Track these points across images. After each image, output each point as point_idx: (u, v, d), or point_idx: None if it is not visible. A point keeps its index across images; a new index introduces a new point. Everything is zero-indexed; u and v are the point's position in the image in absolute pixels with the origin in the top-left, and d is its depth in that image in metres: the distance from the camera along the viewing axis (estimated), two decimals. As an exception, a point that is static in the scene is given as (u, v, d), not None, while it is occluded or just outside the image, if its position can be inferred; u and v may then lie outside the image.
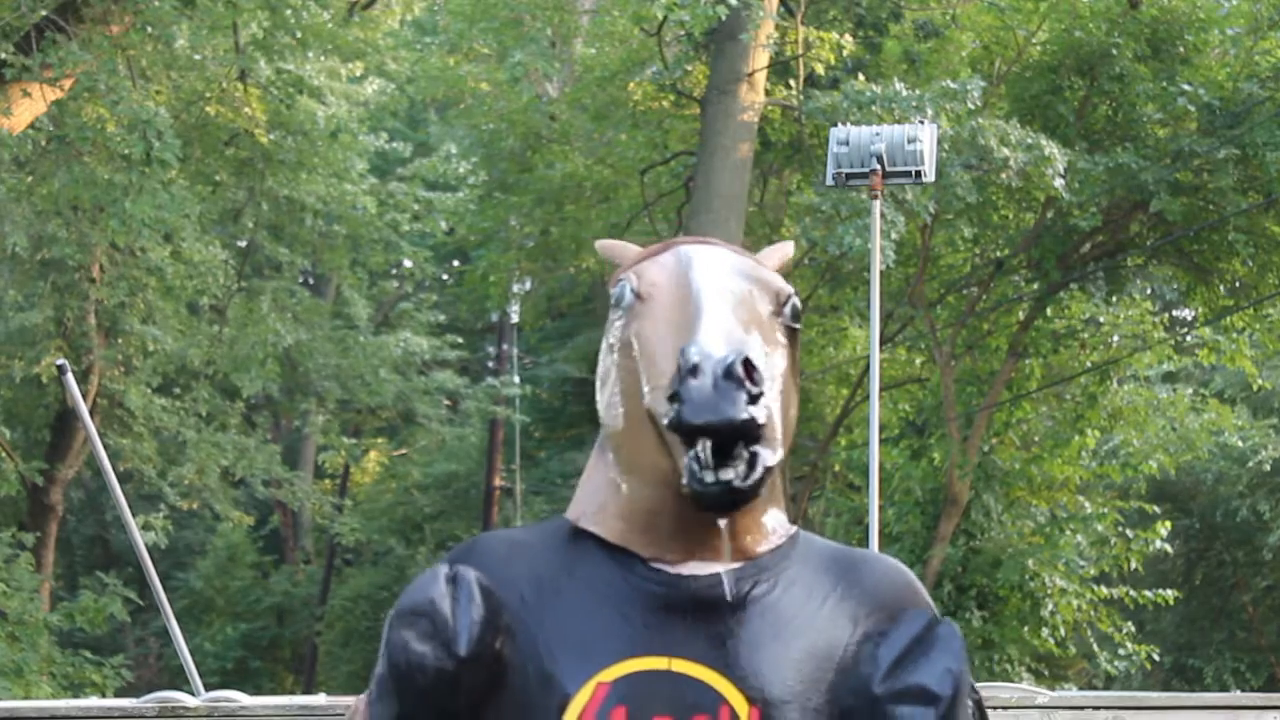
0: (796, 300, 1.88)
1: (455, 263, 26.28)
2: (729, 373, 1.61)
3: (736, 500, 1.64)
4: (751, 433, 1.62)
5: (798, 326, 1.88)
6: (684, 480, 1.64)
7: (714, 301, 1.73)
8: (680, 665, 1.68)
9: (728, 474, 1.62)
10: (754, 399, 1.61)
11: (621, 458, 1.80)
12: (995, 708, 4.95)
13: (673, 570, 1.75)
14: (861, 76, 14.09)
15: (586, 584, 1.76)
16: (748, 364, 1.62)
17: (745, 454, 1.63)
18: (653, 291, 1.81)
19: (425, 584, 1.74)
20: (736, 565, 1.78)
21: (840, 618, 1.81)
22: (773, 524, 1.84)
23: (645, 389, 1.72)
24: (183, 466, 16.62)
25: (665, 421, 1.65)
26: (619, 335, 1.82)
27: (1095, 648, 16.96)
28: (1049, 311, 16.05)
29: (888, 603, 1.84)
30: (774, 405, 1.69)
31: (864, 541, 12.22)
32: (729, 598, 1.73)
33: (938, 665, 1.78)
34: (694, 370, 1.62)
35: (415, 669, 1.65)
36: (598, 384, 1.88)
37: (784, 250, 2.01)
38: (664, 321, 1.75)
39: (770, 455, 1.65)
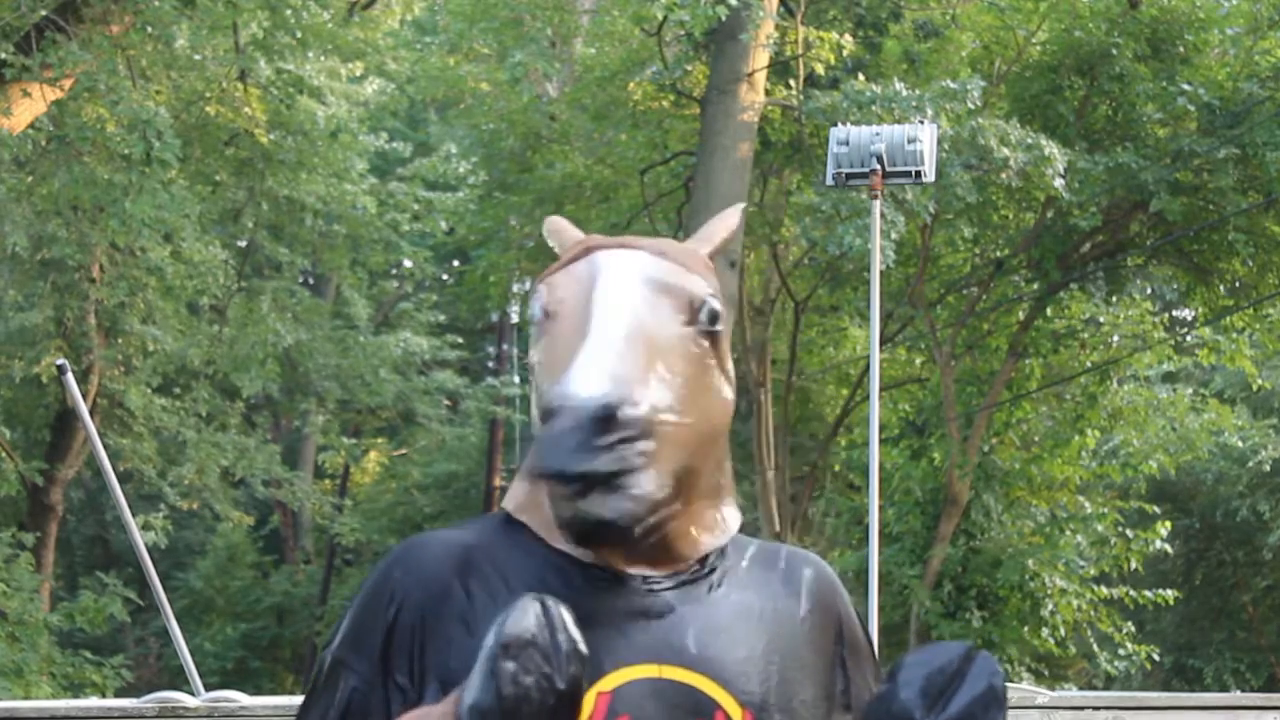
0: (714, 303, 1.75)
1: (455, 263, 26.27)
2: (592, 420, 1.53)
3: (615, 536, 1.58)
4: (616, 478, 1.54)
5: (718, 329, 1.76)
6: (556, 523, 1.61)
7: (604, 331, 1.62)
8: (669, 672, 1.66)
9: (597, 509, 1.56)
10: (621, 442, 1.54)
11: None
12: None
13: (618, 572, 1.72)
14: (861, 76, 14.09)
15: (552, 591, 1.70)
16: (609, 415, 1.53)
17: (621, 488, 1.55)
18: (559, 309, 1.73)
19: (523, 612, 1.69)
20: (681, 567, 1.75)
21: (791, 613, 1.80)
22: (713, 520, 1.79)
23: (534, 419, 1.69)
24: (183, 466, 16.62)
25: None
26: (530, 355, 1.77)
27: (1095, 648, 16.97)
28: (1049, 311, 16.05)
29: (825, 599, 1.85)
30: (666, 436, 1.60)
31: (864, 542, 12.22)
32: (672, 603, 1.71)
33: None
34: (553, 414, 1.55)
35: (523, 700, 1.57)
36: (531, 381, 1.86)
37: (727, 222, 1.92)
38: (562, 348, 1.67)
39: (650, 487, 1.57)
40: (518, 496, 1.80)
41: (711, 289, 1.77)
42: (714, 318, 1.74)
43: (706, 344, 1.73)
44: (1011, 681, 14.07)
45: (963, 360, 16.42)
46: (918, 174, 9.26)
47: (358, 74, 18.25)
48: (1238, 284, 15.83)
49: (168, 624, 5.63)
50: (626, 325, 1.64)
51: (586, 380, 1.55)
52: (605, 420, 1.53)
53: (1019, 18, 15.04)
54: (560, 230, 1.92)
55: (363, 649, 1.73)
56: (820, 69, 14.83)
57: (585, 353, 1.58)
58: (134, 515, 6.27)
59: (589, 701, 1.65)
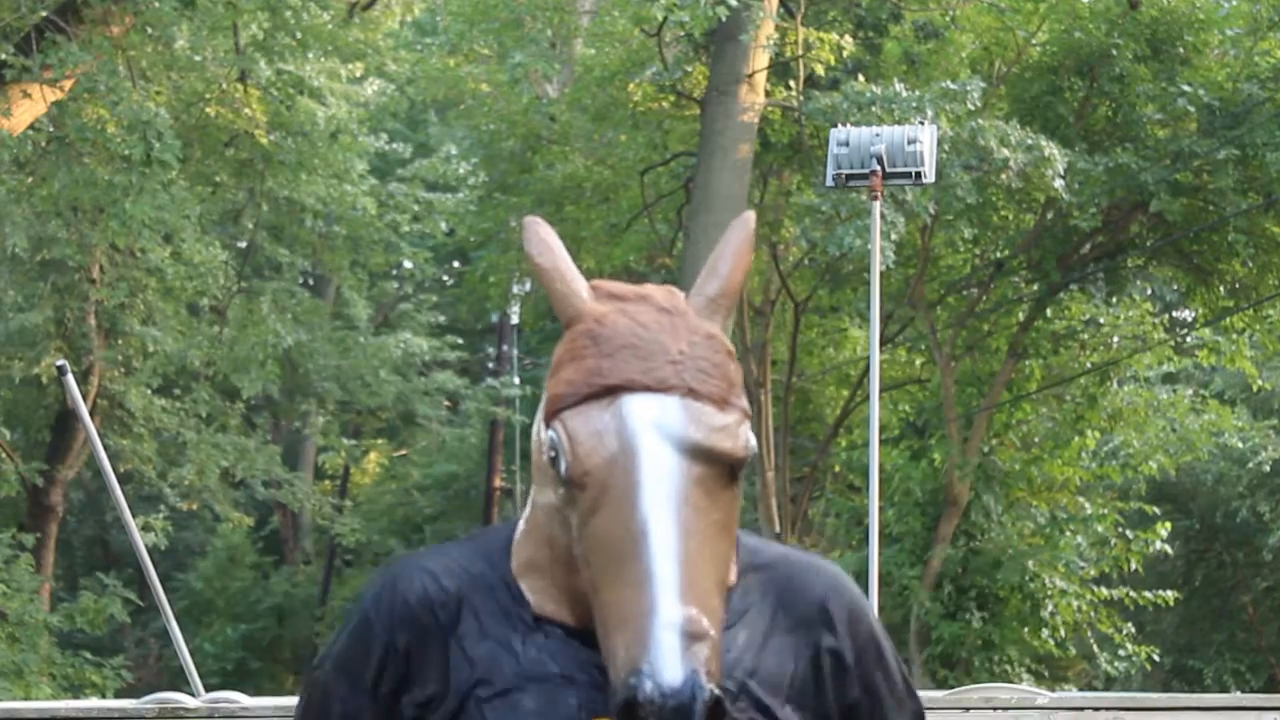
0: (752, 447, 1.62)
1: (455, 263, 26.28)
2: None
3: None
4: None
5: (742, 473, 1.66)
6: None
7: (668, 569, 1.50)
8: None
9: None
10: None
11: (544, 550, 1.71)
12: (995, 708, 4.95)
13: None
14: (861, 77, 14.09)
15: (541, 648, 1.70)
16: (713, 713, 1.46)
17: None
18: (586, 482, 1.58)
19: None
20: None
21: (792, 639, 1.76)
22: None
23: (600, 631, 1.56)
24: (183, 467, 16.62)
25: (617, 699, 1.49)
26: (559, 501, 1.64)
27: (1095, 649, 16.96)
28: (1049, 312, 16.05)
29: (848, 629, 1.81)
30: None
31: (864, 542, 12.22)
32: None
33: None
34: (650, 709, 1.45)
35: None
36: (533, 458, 1.74)
37: (741, 256, 1.71)
38: (610, 551, 1.54)
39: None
40: (521, 555, 1.75)
41: (746, 423, 1.62)
42: (747, 464, 1.62)
43: (739, 489, 1.64)
44: (1012, 682, 14.08)
45: (963, 361, 16.42)
46: (918, 175, 9.26)
47: (358, 75, 18.25)
48: (1238, 285, 15.82)
49: (168, 625, 5.63)
50: (687, 556, 1.51)
51: (675, 675, 1.45)
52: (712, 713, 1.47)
53: (1019, 19, 15.04)
54: (547, 252, 1.71)
55: (351, 674, 1.75)
56: (820, 70, 14.83)
57: (659, 631, 1.47)
58: (134, 516, 6.27)
59: None
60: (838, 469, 19.33)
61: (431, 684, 1.70)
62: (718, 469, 1.58)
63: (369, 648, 1.74)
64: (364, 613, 1.76)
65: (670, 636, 1.47)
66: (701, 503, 1.55)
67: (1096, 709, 5.01)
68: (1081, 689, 17.39)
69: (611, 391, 1.59)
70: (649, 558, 1.51)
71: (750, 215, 1.76)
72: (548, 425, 1.63)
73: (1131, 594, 16.21)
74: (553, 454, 1.60)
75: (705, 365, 1.61)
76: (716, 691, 1.46)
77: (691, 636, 1.47)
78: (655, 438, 1.56)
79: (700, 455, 1.57)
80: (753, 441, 1.63)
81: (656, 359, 1.60)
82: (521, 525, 1.77)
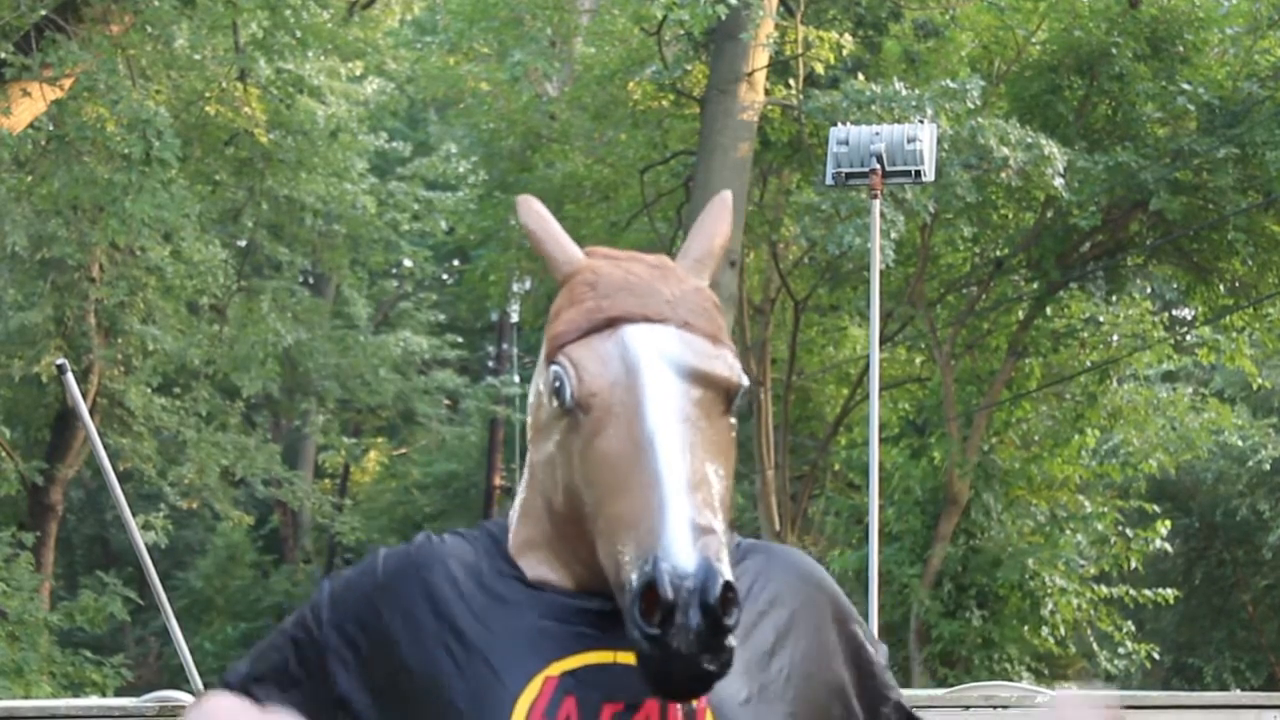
0: (745, 383, 1.71)
1: (455, 262, 26.27)
2: (709, 615, 1.48)
3: (700, 689, 1.54)
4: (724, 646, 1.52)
5: (737, 408, 1.72)
6: (643, 665, 1.52)
7: (677, 483, 1.55)
8: (626, 657, 1.63)
9: (707, 666, 1.51)
10: (729, 619, 1.50)
11: (554, 528, 1.73)
12: (995, 706, 4.95)
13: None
14: (861, 76, 14.09)
15: (526, 600, 1.73)
16: (726, 598, 1.49)
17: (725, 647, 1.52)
18: (592, 403, 1.64)
19: None
20: None
21: (761, 606, 1.80)
22: None
23: (605, 548, 1.60)
24: (183, 466, 16.62)
25: (637, 636, 1.51)
26: (559, 438, 1.68)
27: (1095, 647, 16.97)
28: (1049, 311, 16.05)
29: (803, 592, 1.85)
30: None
31: (864, 541, 12.23)
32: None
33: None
34: (669, 610, 1.48)
35: None
36: (529, 421, 1.78)
37: (722, 224, 1.84)
38: (610, 465, 1.60)
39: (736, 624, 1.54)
40: (519, 537, 1.78)
41: (736, 358, 1.71)
42: (741, 394, 1.70)
43: (734, 420, 1.71)
44: (1011, 680, 14.08)
45: (963, 360, 16.43)
46: (917, 173, 9.27)
47: (357, 74, 18.25)
48: (1237, 283, 15.83)
49: (168, 623, 5.63)
50: (691, 446, 1.59)
51: (687, 548, 1.49)
52: (726, 604, 1.49)
53: (1019, 17, 15.04)
54: (539, 219, 1.79)
55: (338, 612, 1.80)
56: (820, 68, 14.83)
57: (671, 521, 1.51)
58: (134, 515, 6.27)
59: (535, 686, 1.67)
60: (837, 467, 19.33)
61: (402, 665, 1.74)
62: (715, 393, 1.66)
63: (357, 608, 1.78)
64: (384, 564, 1.80)
65: (683, 526, 1.52)
66: (701, 422, 1.63)
67: (1096, 707, 5.01)
68: (1081, 687, 17.39)
69: (612, 323, 1.68)
70: (656, 463, 1.57)
71: (728, 194, 1.89)
72: (551, 362, 1.70)
73: (1131, 592, 16.22)
74: (557, 384, 1.68)
75: (695, 307, 1.72)
76: (729, 577, 1.50)
77: (702, 529, 1.53)
78: (657, 360, 1.65)
79: (699, 379, 1.66)
80: (745, 377, 1.71)
81: (652, 298, 1.70)
82: (516, 509, 1.81)
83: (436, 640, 1.72)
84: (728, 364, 1.69)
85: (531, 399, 1.78)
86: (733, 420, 1.70)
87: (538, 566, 1.75)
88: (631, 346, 1.66)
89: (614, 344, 1.67)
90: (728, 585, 1.49)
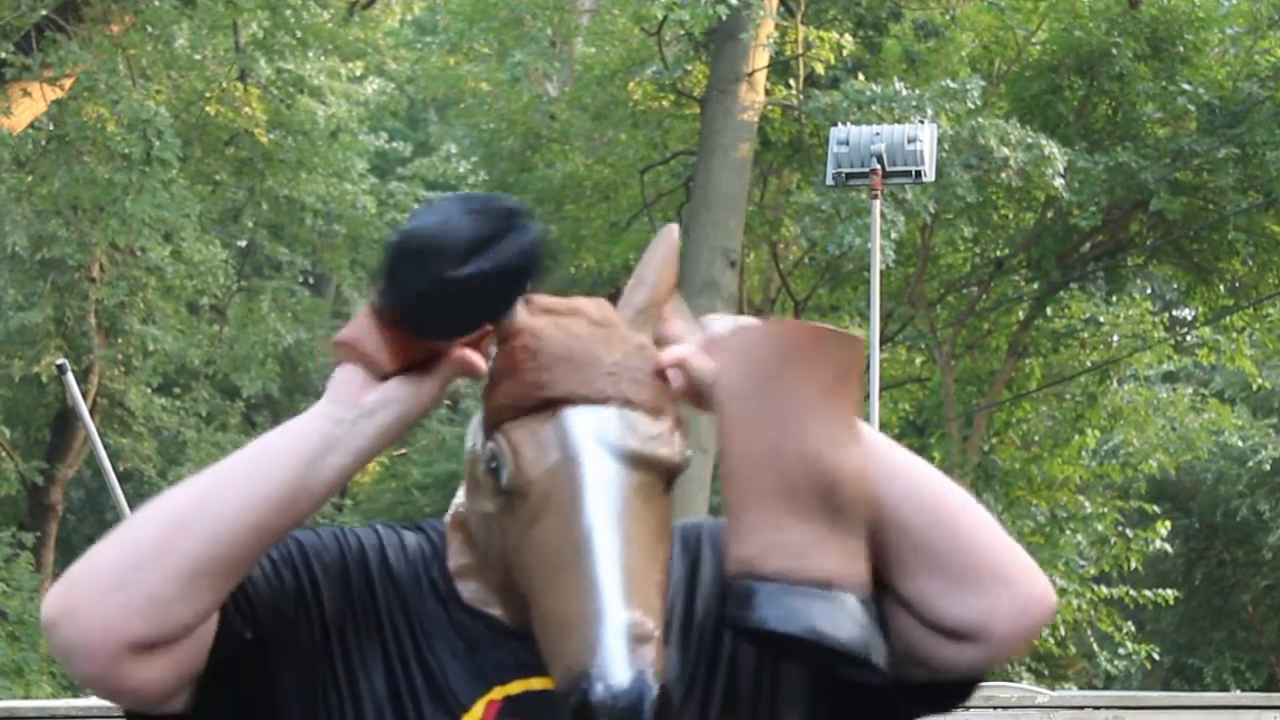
0: (687, 458, 1.63)
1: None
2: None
3: None
4: None
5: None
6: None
7: (613, 575, 1.51)
8: None
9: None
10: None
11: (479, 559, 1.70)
12: (995, 707, 4.95)
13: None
14: (861, 76, 14.10)
15: (466, 620, 1.70)
16: (660, 710, 1.46)
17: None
18: (529, 490, 1.57)
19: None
20: None
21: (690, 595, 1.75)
22: None
23: (540, 639, 1.55)
24: (183, 466, 16.62)
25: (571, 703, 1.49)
26: (495, 511, 1.62)
27: (1095, 647, 16.97)
28: (1049, 311, 16.05)
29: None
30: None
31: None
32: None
33: None
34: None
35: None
36: (465, 463, 1.71)
37: (667, 268, 1.69)
38: (552, 560, 1.54)
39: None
40: (455, 560, 1.73)
41: (679, 427, 1.63)
42: (682, 473, 1.63)
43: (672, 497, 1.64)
44: (1012, 680, 14.08)
45: (963, 360, 16.43)
46: (918, 174, 9.29)
47: (358, 74, 18.26)
48: (1238, 284, 15.83)
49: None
50: (631, 560, 1.53)
51: (624, 677, 1.46)
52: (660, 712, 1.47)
53: (1019, 18, 15.04)
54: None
55: (318, 564, 1.70)
56: (820, 69, 14.84)
57: (607, 635, 1.48)
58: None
59: (478, 710, 1.64)
60: (838, 468, 19.33)
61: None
62: (655, 475, 1.60)
63: (332, 565, 1.70)
64: (360, 541, 1.73)
65: (617, 639, 1.49)
66: (641, 510, 1.57)
67: (1096, 707, 5.01)
68: (1081, 688, 17.41)
69: (551, 404, 1.61)
70: (593, 563, 1.52)
71: (674, 228, 1.77)
72: (489, 437, 1.63)
73: (1131, 592, 16.22)
74: (494, 464, 1.61)
75: (639, 375, 1.63)
76: (660, 689, 1.47)
77: (637, 639, 1.49)
78: (596, 447, 1.59)
79: (640, 463, 1.59)
80: (688, 450, 1.64)
81: (593, 370, 1.62)
82: (448, 528, 1.76)
83: (375, 642, 1.68)
84: (669, 442, 1.61)
85: (468, 445, 1.71)
86: (672, 497, 1.62)
87: (475, 591, 1.71)
88: (571, 433, 1.59)
89: (553, 429, 1.60)
90: (663, 692, 1.46)
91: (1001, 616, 1.54)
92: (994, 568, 1.55)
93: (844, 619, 1.50)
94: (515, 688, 1.66)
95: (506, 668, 1.66)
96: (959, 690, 1.65)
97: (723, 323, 1.63)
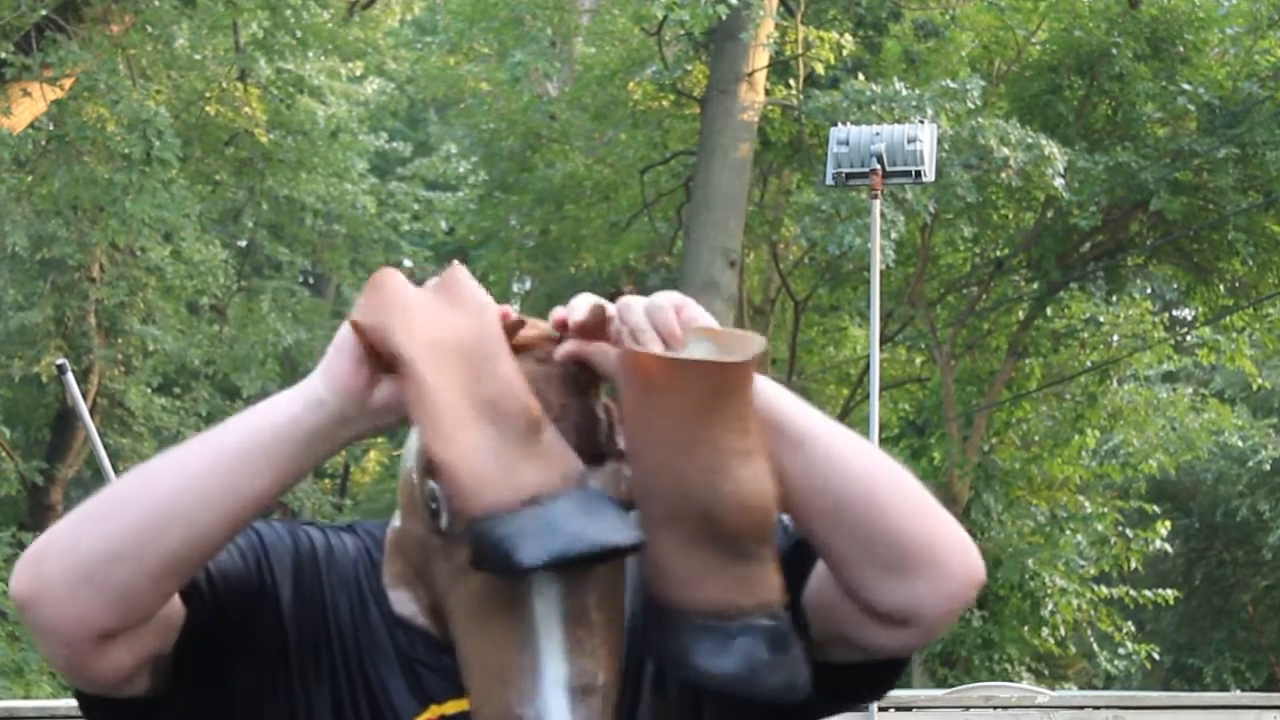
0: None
1: (455, 262, 26.25)
2: None
3: None
4: None
5: None
6: None
7: (553, 621, 1.41)
8: None
9: None
10: None
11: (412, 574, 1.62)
12: (996, 707, 4.96)
13: None
14: (861, 76, 14.10)
15: (402, 635, 1.63)
16: None
17: None
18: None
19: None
20: None
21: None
22: None
23: (467, 683, 1.47)
24: (183, 466, 16.61)
25: None
26: (430, 546, 1.52)
27: (1095, 647, 16.97)
28: (1049, 311, 16.05)
29: None
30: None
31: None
32: None
33: None
34: None
35: None
36: (400, 481, 1.60)
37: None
38: (486, 605, 1.44)
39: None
40: (391, 569, 1.65)
41: (621, 461, 1.51)
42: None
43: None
44: (1012, 681, 14.08)
45: (963, 360, 16.43)
46: (918, 174, 9.27)
47: (358, 74, 18.26)
48: (1237, 283, 15.84)
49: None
50: (574, 604, 1.43)
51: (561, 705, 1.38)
52: None
53: (1019, 17, 15.05)
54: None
55: (276, 556, 1.65)
56: (820, 69, 14.84)
57: (545, 692, 1.39)
58: (134, 515, 6.24)
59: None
60: (838, 468, 19.33)
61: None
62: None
63: (287, 559, 1.64)
64: (311, 540, 1.67)
65: (558, 698, 1.40)
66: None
67: (1096, 707, 5.02)
68: (1081, 687, 17.42)
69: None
70: (531, 610, 1.42)
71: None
72: (429, 473, 1.51)
73: (1131, 592, 16.22)
74: (434, 506, 1.50)
75: (571, 420, 1.52)
76: None
77: (581, 691, 1.40)
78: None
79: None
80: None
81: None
82: (388, 547, 1.68)
83: (324, 655, 1.62)
84: (613, 484, 1.49)
85: (405, 466, 1.59)
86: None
87: (407, 604, 1.64)
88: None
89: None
90: None
91: (934, 600, 1.50)
92: (926, 551, 1.49)
93: (725, 653, 1.40)
94: (451, 708, 1.59)
95: (443, 688, 1.59)
96: (891, 668, 1.62)
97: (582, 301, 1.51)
